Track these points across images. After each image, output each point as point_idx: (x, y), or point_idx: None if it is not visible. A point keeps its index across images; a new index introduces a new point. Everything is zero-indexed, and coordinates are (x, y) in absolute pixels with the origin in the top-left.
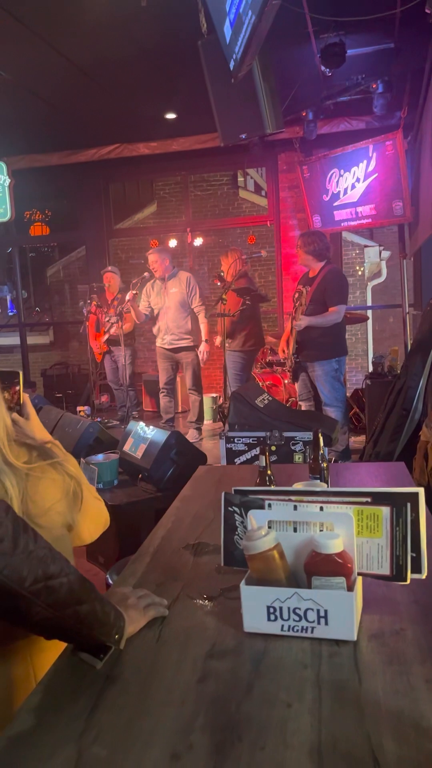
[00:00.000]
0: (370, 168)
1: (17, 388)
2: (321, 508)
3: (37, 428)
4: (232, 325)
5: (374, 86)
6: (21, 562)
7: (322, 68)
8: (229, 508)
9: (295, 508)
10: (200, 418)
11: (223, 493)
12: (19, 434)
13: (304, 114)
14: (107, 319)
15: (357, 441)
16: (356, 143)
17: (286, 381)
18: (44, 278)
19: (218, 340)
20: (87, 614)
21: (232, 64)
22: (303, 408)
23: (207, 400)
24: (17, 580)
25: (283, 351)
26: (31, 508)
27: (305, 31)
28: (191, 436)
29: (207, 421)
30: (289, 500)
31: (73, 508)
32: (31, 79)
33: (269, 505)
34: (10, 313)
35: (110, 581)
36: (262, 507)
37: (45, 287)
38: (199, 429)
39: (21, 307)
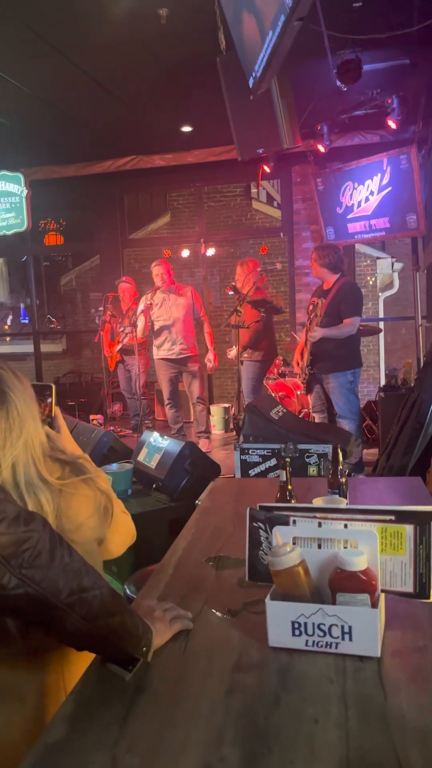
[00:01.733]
0: (384, 181)
1: (49, 401)
2: (345, 526)
3: (68, 442)
4: (247, 336)
5: (389, 101)
6: (57, 575)
7: (338, 84)
8: (254, 524)
9: (320, 524)
10: (208, 427)
11: (248, 509)
12: (51, 449)
13: (318, 128)
14: (121, 329)
15: (369, 453)
16: (370, 157)
17: (298, 392)
18: (58, 287)
19: (233, 352)
20: (117, 626)
21: (251, 82)
22: (316, 420)
23: (218, 410)
24: (54, 593)
25: (298, 363)
26: (65, 524)
27: (322, 48)
28: (202, 446)
29: (218, 431)
30: (314, 517)
31: (103, 523)
32: (51, 93)
33: (294, 522)
34: (23, 321)
35: (128, 592)
36: (286, 523)
37: (58, 296)
38: (208, 439)
39: (35, 315)
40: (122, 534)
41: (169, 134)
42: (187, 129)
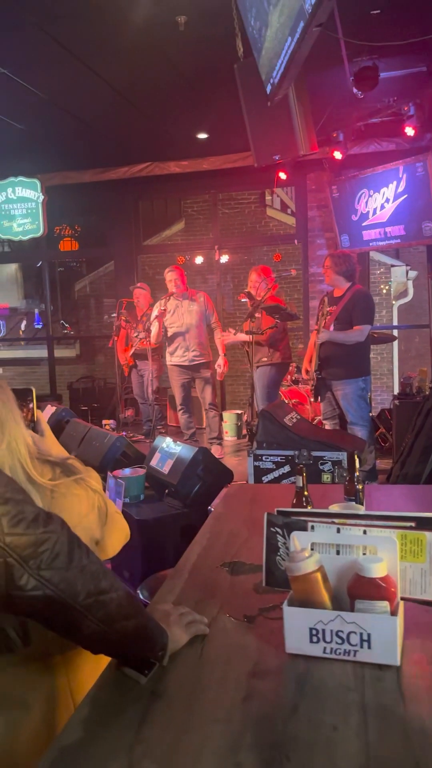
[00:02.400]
0: (400, 189)
1: (31, 405)
2: (364, 532)
3: (53, 445)
4: (262, 342)
5: (406, 108)
6: (75, 577)
7: (355, 91)
8: (272, 529)
9: (338, 530)
10: (220, 433)
11: (265, 514)
12: (38, 451)
13: (335, 135)
14: (135, 334)
15: (383, 462)
16: (386, 164)
17: (311, 399)
18: (72, 293)
19: (237, 334)
20: (134, 629)
21: (269, 88)
22: (327, 427)
23: (231, 416)
24: (71, 595)
25: (307, 371)
26: None
27: (339, 55)
28: (214, 452)
29: (231, 437)
30: (333, 523)
31: (99, 523)
32: (68, 99)
33: (312, 527)
34: (36, 326)
35: (141, 597)
36: (305, 529)
37: (72, 301)
38: (221, 445)
39: (49, 320)
40: (117, 533)
41: (185, 141)
42: (202, 136)
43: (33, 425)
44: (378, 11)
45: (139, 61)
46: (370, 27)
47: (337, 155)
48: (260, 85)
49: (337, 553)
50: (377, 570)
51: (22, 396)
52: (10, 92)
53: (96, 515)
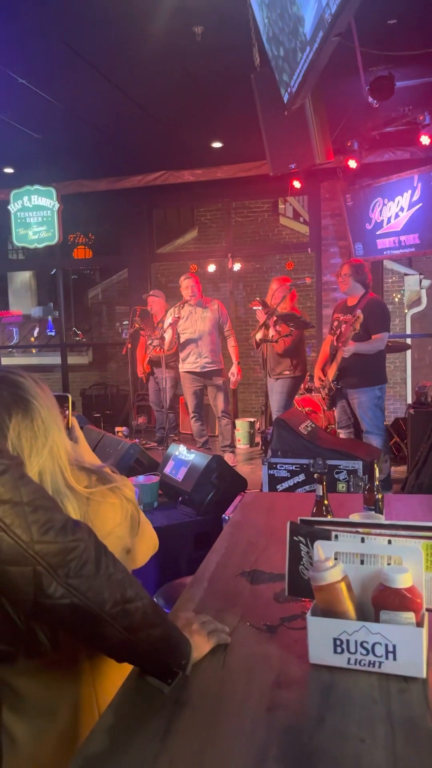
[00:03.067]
0: (415, 197)
1: (67, 412)
2: (389, 542)
3: (86, 452)
4: (280, 351)
5: (421, 117)
6: (102, 585)
7: (370, 100)
8: (295, 538)
9: (363, 540)
10: (233, 441)
11: (288, 522)
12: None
13: (349, 144)
14: (149, 342)
15: (398, 471)
16: (401, 173)
17: (325, 407)
18: (85, 300)
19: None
20: (158, 638)
21: (286, 97)
22: (342, 436)
23: (243, 424)
24: (99, 603)
25: (320, 378)
26: (97, 530)
27: (355, 64)
28: (228, 460)
29: (243, 445)
30: (357, 532)
31: (131, 532)
32: (85, 109)
33: (336, 537)
34: (49, 333)
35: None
36: (329, 538)
37: (85, 309)
38: (233, 452)
39: (63, 328)
40: (147, 543)
41: (200, 150)
42: (217, 145)
43: (68, 432)
44: (394, 21)
45: (157, 71)
46: (387, 37)
47: (352, 164)
48: (276, 94)
49: (362, 562)
50: (403, 581)
51: (59, 402)
52: (28, 102)
53: (129, 524)
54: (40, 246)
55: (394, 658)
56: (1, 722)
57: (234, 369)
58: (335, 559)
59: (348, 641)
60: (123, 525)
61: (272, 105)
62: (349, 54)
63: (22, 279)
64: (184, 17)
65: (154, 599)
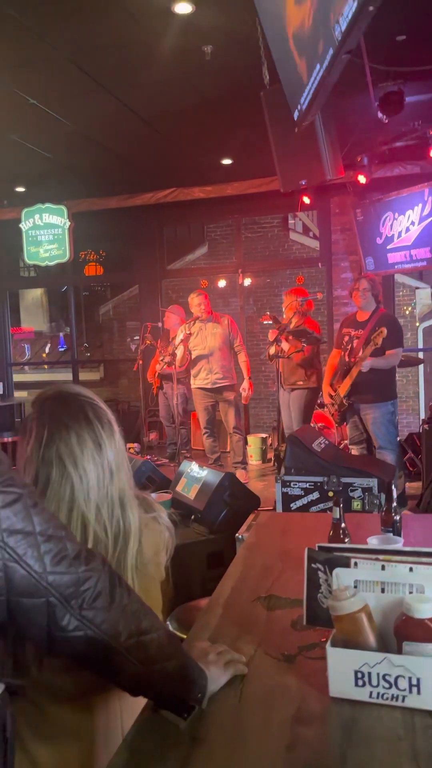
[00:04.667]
0: (426, 212)
1: None
2: (411, 569)
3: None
4: (295, 366)
5: (431, 132)
6: (117, 617)
7: (380, 115)
8: (313, 565)
9: (383, 567)
10: (245, 458)
11: (306, 549)
12: None
13: (359, 159)
14: (161, 358)
15: (412, 487)
16: (411, 187)
17: (337, 423)
18: (96, 316)
19: (272, 349)
20: (174, 671)
21: (296, 114)
22: (354, 452)
23: (255, 440)
24: (113, 635)
25: (330, 395)
26: (142, 555)
27: (364, 80)
28: (239, 476)
29: (256, 461)
30: (377, 560)
31: (165, 560)
32: (95, 128)
33: (355, 564)
34: (61, 349)
35: (170, 628)
36: (347, 565)
37: (96, 325)
38: (245, 469)
39: (74, 344)
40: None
41: (210, 167)
42: (227, 162)
43: None
44: (404, 37)
45: (166, 90)
46: (396, 52)
47: (362, 179)
48: (286, 111)
49: (382, 591)
50: (426, 610)
51: None
52: (40, 122)
53: (165, 554)
54: (51, 264)
55: (419, 692)
56: (24, 745)
57: (245, 384)
58: (355, 587)
59: (370, 674)
60: (161, 554)
61: (282, 122)
62: (358, 70)
63: (33, 296)
64: (193, 37)
65: (167, 622)
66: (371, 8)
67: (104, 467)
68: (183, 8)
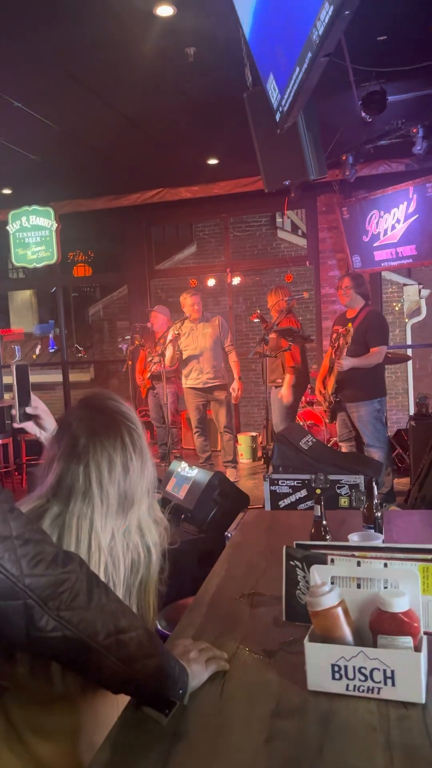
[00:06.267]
0: (411, 209)
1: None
2: (385, 565)
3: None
4: (279, 364)
5: (414, 131)
6: (95, 616)
7: (363, 115)
8: (291, 562)
9: (359, 564)
10: (235, 457)
11: (284, 547)
12: None
13: (344, 158)
14: (150, 358)
15: (401, 483)
16: (396, 185)
17: (326, 420)
18: (86, 317)
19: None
20: (154, 669)
21: (278, 116)
22: (343, 449)
23: (246, 439)
24: (91, 634)
25: (320, 392)
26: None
27: (347, 81)
28: (229, 475)
29: (246, 460)
30: (353, 556)
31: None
32: (81, 130)
33: (332, 561)
34: (51, 350)
35: (159, 627)
36: (324, 562)
37: (86, 326)
38: (235, 468)
39: (64, 345)
40: None
41: (196, 167)
42: (213, 161)
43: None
44: (384, 37)
45: (151, 92)
46: (377, 53)
47: (348, 178)
48: (269, 112)
49: (358, 586)
50: (399, 604)
51: (19, 374)
52: (24, 124)
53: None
54: (39, 265)
55: (393, 684)
56: (24, 740)
57: (235, 384)
58: (332, 583)
59: (346, 667)
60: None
61: (265, 123)
62: (341, 71)
63: (22, 297)
64: (176, 39)
65: (156, 621)
66: (347, 12)
67: (126, 494)
68: (164, 11)
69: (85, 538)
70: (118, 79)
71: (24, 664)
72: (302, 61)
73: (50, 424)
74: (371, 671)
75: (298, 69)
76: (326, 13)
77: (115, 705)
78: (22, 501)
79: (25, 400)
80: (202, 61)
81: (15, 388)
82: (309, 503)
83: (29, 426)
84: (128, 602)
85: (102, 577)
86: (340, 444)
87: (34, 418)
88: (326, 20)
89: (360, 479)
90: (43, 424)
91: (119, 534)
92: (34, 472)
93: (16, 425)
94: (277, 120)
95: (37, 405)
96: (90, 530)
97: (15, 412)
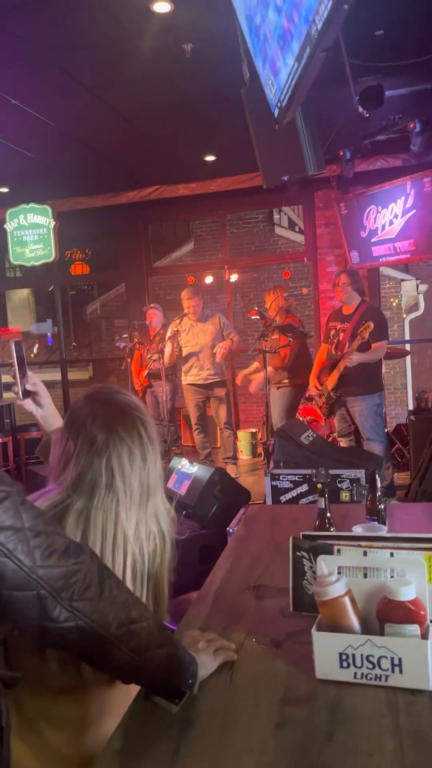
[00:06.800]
0: (408, 204)
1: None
2: (391, 554)
3: (53, 417)
4: (279, 361)
5: (411, 125)
6: (107, 607)
7: (360, 110)
8: (298, 553)
9: (365, 553)
10: (235, 453)
11: (291, 538)
12: None
13: (341, 153)
14: (149, 356)
15: (400, 477)
16: (394, 180)
17: (324, 415)
18: (84, 315)
19: (259, 374)
20: (165, 658)
21: (276, 112)
22: (343, 444)
23: (245, 435)
24: (103, 625)
25: (316, 387)
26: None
27: (344, 76)
28: (230, 472)
29: (246, 456)
30: (359, 546)
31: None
32: (78, 128)
33: (338, 551)
34: (49, 344)
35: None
36: (331, 552)
37: (84, 324)
38: (235, 464)
39: (62, 344)
40: None
41: (193, 164)
42: (210, 158)
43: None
44: (381, 32)
45: (148, 89)
46: (375, 47)
47: (345, 173)
48: (267, 108)
49: (365, 576)
50: (406, 593)
51: (16, 348)
52: (22, 123)
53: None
54: (37, 264)
55: (401, 671)
56: (38, 730)
57: (224, 343)
58: (338, 573)
59: (354, 655)
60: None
61: (263, 119)
62: (338, 65)
63: (20, 296)
64: (173, 35)
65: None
66: (346, 6)
67: (147, 484)
68: (162, 7)
69: (111, 530)
70: (116, 76)
71: (38, 655)
72: (301, 57)
73: (47, 401)
74: (379, 659)
75: (296, 64)
76: (325, 7)
77: (126, 694)
78: (34, 496)
79: (24, 374)
80: (199, 58)
81: (15, 364)
82: (310, 498)
83: (28, 404)
84: (148, 591)
85: (129, 567)
86: (339, 439)
87: (32, 395)
88: (325, 15)
89: (361, 473)
90: (40, 401)
91: (142, 524)
92: (38, 471)
93: (19, 402)
94: (275, 116)
95: (35, 381)
96: (116, 522)
97: (17, 389)
